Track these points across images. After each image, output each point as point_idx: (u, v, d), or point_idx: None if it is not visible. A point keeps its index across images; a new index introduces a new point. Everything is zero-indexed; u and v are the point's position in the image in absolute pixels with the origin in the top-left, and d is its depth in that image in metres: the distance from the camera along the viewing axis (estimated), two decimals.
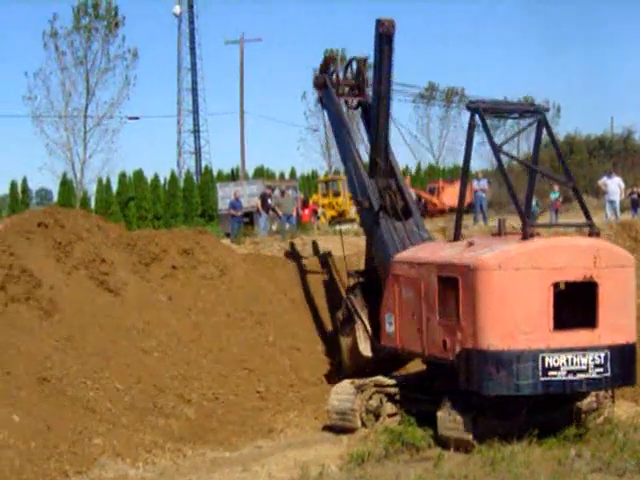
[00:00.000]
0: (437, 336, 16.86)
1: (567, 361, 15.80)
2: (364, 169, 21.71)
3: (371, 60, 21.18)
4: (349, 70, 23.31)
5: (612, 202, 38.00)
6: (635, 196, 43.12)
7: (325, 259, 27.36)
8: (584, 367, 15.95)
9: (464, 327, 16.04)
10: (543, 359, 15.66)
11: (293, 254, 27.87)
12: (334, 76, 23.08)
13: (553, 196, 43.71)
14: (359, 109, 23.47)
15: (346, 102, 23.16)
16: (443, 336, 16.67)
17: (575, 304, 16.11)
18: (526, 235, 16.27)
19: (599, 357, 16.06)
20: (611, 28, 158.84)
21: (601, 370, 16.09)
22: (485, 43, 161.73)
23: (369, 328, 21.31)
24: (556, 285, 15.86)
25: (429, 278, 17.13)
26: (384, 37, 20.13)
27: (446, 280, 16.66)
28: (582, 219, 17.78)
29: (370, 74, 22.16)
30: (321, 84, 23.21)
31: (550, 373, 15.71)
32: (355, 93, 23.00)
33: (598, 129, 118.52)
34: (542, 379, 15.70)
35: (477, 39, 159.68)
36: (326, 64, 23.42)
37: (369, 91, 22.81)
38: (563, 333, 15.85)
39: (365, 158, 22.17)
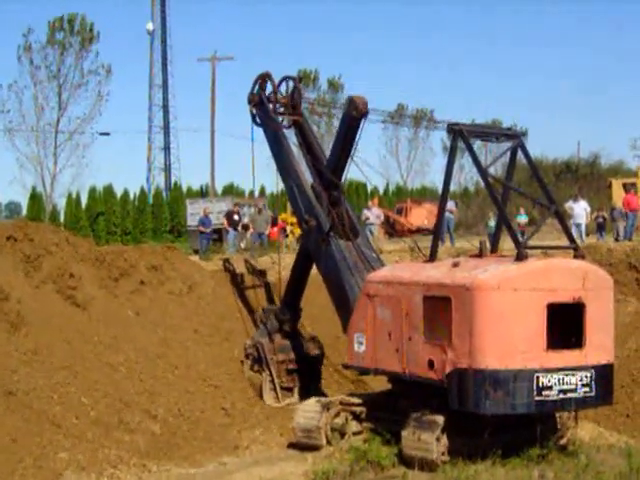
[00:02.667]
0: (421, 355, 16.84)
1: (559, 381, 16.07)
2: (308, 186, 21.63)
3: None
4: (282, 89, 22.79)
5: (578, 225, 38.28)
6: (601, 220, 43.48)
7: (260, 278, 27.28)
8: (573, 386, 16.25)
9: (457, 346, 16.05)
10: (537, 378, 15.88)
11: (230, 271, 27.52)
12: (270, 94, 22.65)
13: (520, 218, 43.98)
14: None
15: (280, 121, 22.69)
16: (429, 355, 16.65)
17: (560, 324, 16.27)
18: (521, 256, 16.41)
19: (586, 377, 16.38)
20: (579, 53, 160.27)
21: (587, 389, 16.43)
22: (454, 66, 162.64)
23: (276, 380, 22.37)
24: (550, 306, 16.03)
25: (413, 297, 17.12)
26: (355, 120, 20.21)
27: (435, 299, 16.66)
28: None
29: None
30: (257, 102, 22.79)
31: (544, 392, 15.95)
32: (290, 112, 22.60)
33: (565, 153, 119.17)
34: (536, 398, 15.91)
35: (446, 62, 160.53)
36: (262, 81, 22.87)
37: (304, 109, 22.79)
38: (555, 353, 16.09)
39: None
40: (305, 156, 22.34)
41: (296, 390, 22.90)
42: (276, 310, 23.53)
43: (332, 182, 20.93)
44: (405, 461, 16.57)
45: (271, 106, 22.54)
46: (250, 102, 22.91)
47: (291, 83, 22.81)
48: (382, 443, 17.25)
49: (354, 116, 20.09)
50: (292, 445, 19.25)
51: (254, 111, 22.94)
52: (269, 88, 22.75)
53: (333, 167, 20.99)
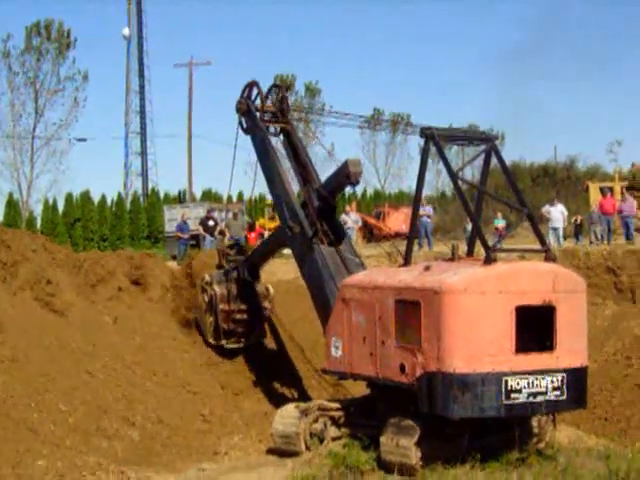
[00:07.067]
0: (393, 360, 16.84)
1: (528, 384, 16.03)
2: (293, 193, 21.76)
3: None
4: (270, 97, 22.95)
5: (555, 229, 38.42)
6: (577, 223, 43.64)
7: None
8: (543, 390, 16.21)
9: (426, 350, 16.03)
10: (506, 382, 15.85)
11: None
12: (257, 102, 22.81)
13: (497, 223, 44.05)
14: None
15: (267, 129, 22.80)
16: (401, 360, 16.63)
17: (531, 327, 16.25)
18: (489, 259, 16.43)
19: (557, 380, 16.34)
20: (553, 58, 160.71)
21: (558, 393, 16.38)
22: (430, 70, 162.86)
23: (220, 324, 23.93)
24: (519, 309, 16.01)
25: (385, 302, 17.11)
26: (345, 184, 20.90)
27: (405, 303, 16.66)
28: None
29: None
30: (244, 110, 22.91)
31: (512, 396, 15.91)
32: (278, 120, 22.75)
33: (542, 157, 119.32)
34: (505, 402, 15.89)
35: (422, 65, 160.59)
36: (249, 89, 22.99)
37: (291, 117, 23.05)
38: (524, 356, 16.05)
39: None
40: (292, 163, 22.44)
41: (236, 336, 24.40)
42: (238, 264, 24.39)
43: (327, 200, 21.13)
44: (384, 466, 16.56)
45: (259, 114, 22.65)
46: (239, 111, 23.05)
47: (278, 91, 22.99)
48: (361, 448, 17.23)
49: (344, 182, 20.61)
50: (271, 451, 19.25)
51: (242, 119, 23.05)
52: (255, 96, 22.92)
53: (328, 191, 21.16)
